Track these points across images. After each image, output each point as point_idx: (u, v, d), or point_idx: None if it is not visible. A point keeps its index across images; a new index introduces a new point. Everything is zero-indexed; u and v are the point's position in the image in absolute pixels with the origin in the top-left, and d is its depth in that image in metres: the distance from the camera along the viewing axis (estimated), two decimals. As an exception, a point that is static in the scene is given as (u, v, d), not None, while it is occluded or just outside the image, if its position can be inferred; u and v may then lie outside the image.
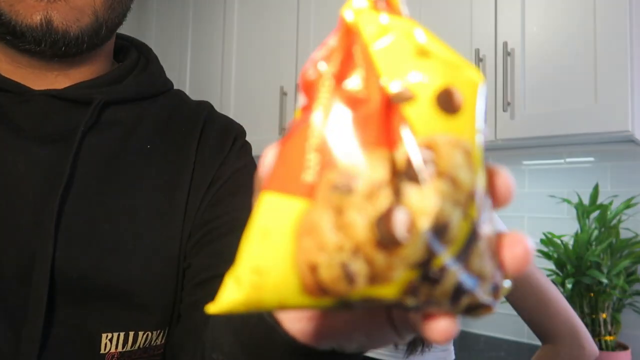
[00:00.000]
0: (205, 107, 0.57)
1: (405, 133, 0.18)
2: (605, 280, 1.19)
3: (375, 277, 0.18)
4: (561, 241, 1.31)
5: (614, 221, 1.30)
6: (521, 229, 1.58)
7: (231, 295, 0.19)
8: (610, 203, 1.31)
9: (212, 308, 0.20)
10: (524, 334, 1.56)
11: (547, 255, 1.34)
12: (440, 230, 0.18)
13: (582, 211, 1.33)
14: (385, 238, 0.18)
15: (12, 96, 0.46)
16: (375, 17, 0.21)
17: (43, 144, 0.45)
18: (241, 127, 0.58)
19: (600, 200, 1.37)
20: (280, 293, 0.19)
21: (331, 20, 1.73)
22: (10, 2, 0.42)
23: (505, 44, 1.29)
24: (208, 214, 0.50)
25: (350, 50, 0.21)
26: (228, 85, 2.08)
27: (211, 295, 0.38)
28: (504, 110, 1.29)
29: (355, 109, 0.19)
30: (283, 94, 1.82)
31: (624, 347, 1.26)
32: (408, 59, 0.20)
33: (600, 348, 1.23)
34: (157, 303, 0.47)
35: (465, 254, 0.19)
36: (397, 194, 0.18)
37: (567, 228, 1.46)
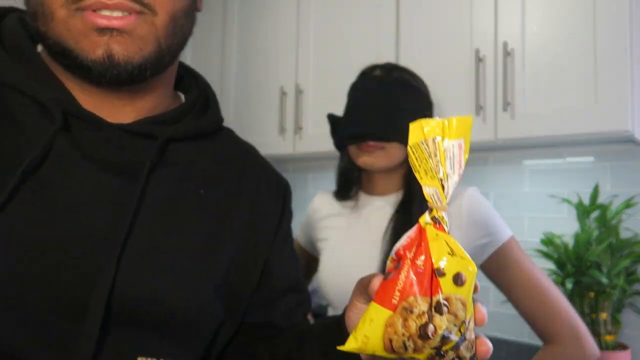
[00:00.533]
0: (254, 153, 0.64)
1: (437, 290, 0.40)
2: (605, 280, 1.19)
3: (416, 349, 0.40)
4: (561, 241, 1.31)
5: (614, 221, 1.30)
6: (521, 229, 1.58)
7: (352, 344, 0.42)
8: (610, 203, 1.31)
9: (342, 347, 0.42)
10: (524, 334, 1.56)
11: (547, 255, 1.34)
12: (447, 334, 0.40)
13: (582, 211, 1.33)
14: (423, 334, 0.40)
15: (87, 126, 0.48)
16: (432, 229, 0.44)
17: (111, 174, 0.48)
18: (286, 180, 0.65)
19: (600, 200, 1.36)
20: (375, 348, 0.41)
21: (331, 21, 1.73)
22: (76, 38, 0.44)
23: (505, 44, 1.29)
24: (269, 270, 0.59)
25: (420, 242, 0.43)
26: (228, 85, 2.08)
27: (269, 349, 0.58)
28: (504, 110, 1.29)
29: (418, 275, 0.41)
30: (283, 94, 1.82)
31: (624, 347, 1.26)
32: (444, 253, 0.41)
33: (600, 348, 1.23)
34: (199, 335, 0.52)
35: (459, 345, 0.41)
36: (431, 317, 0.40)
37: (567, 228, 1.46)
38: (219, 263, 0.53)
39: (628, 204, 1.29)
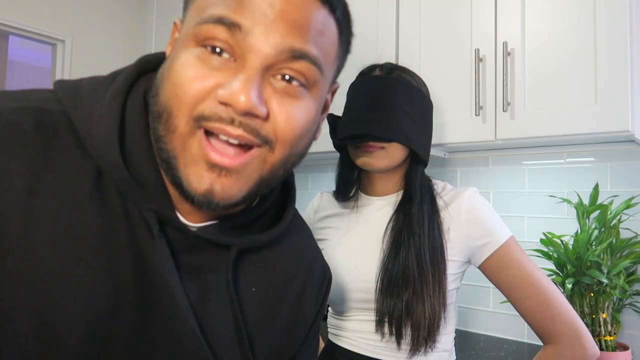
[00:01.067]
0: (308, 245, 0.64)
1: None
2: (605, 280, 1.19)
3: None
4: (561, 241, 1.31)
5: (614, 221, 1.30)
6: (521, 229, 1.58)
7: None
8: (610, 203, 1.31)
9: None
10: (524, 334, 1.56)
11: (547, 255, 1.34)
12: None
13: (582, 211, 1.33)
14: None
15: (174, 229, 0.48)
16: None
17: (193, 278, 0.49)
18: (330, 273, 0.67)
19: (600, 200, 1.36)
20: None
21: (331, 20, 1.73)
22: (187, 162, 0.44)
23: (505, 44, 1.29)
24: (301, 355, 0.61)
25: None
26: (228, 85, 2.08)
27: None
28: (504, 110, 1.29)
29: None
30: (283, 94, 1.82)
31: (624, 347, 1.26)
32: None
33: (601, 348, 1.23)
34: None
35: None
36: None
37: (567, 228, 1.46)
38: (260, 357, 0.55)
39: (628, 204, 1.29)
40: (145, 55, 0.50)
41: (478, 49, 1.35)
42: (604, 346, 1.23)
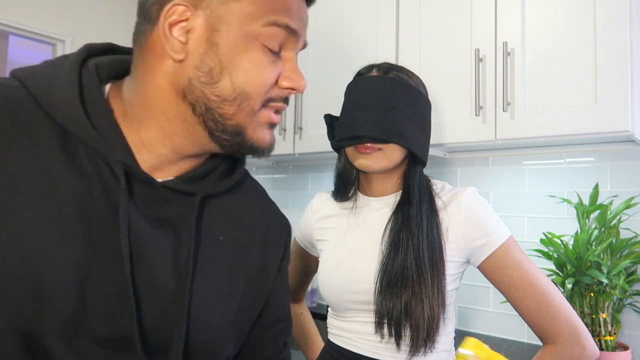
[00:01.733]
0: (264, 197, 0.73)
1: None
2: (605, 280, 1.19)
3: None
4: (561, 241, 1.31)
5: (614, 221, 1.30)
6: (521, 229, 1.58)
7: None
8: (610, 203, 1.31)
9: None
10: (524, 334, 1.56)
11: (547, 255, 1.34)
12: None
13: (582, 211, 1.33)
14: None
15: (140, 183, 0.56)
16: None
17: (163, 227, 0.57)
18: (289, 223, 0.75)
19: (600, 200, 1.36)
20: None
21: (331, 21, 1.73)
22: (254, 128, 0.57)
23: (505, 44, 1.29)
24: (267, 303, 0.68)
25: None
26: (228, 85, 2.08)
27: None
28: (504, 110, 1.29)
29: None
30: (283, 94, 1.82)
31: (624, 347, 1.26)
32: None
33: (601, 348, 1.23)
34: None
35: None
36: None
37: (567, 228, 1.46)
38: (234, 300, 0.62)
39: (628, 204, 1.29)
40: (90, 44, 0.60)
41: (478, 49, 1.35)
42: (604, 346, 1.23)
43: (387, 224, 0.99)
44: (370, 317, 0.96)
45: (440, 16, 1.46)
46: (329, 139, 1.05)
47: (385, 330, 0.93)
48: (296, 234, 1.19)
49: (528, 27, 1.29)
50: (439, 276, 0.92)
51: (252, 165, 2.40)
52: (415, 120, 0.98)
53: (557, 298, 0.91)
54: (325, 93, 1.71)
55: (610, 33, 1.16)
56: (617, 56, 1.15)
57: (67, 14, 2.36)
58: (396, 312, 0.91)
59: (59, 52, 2.33)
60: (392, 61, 1.53)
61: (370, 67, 1.03)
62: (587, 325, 1.24)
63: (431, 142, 1.44)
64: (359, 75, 1.04)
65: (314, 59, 1.76)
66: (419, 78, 1.04)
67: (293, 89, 0.58)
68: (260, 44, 0.55)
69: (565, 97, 1.22)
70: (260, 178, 2.40)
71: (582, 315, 1.26)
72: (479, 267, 0.97)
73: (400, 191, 1.02)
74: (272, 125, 0.59)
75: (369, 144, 0.95)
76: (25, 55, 4.72)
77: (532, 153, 1.58)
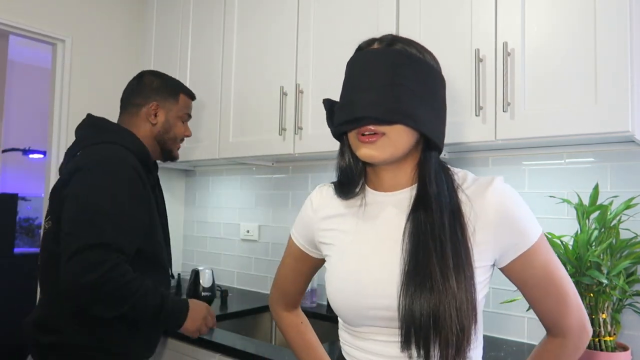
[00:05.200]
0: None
1: None
2: (605, 281, 1.19)
3: None
4: (561, 241, 1.31)
5: (614, 221, 1.30)
6: (521, 229, 1.57)
7: None
8: (610, 203, 1.31)
9: None
10: (524, 334, 1.56)
11: (547, 256, 1.34)
12: None
13: (582, 211, 1.33)
14: None
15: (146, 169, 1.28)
16: None
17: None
18: None
19: (600, 200, 1.36)
20: None
21: (331, 21, 1.73)
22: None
23: (505, 44, 1.29)
24: None
25: None
26: (228, 86, 2.08)
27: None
28: (504, 111, 1.29)
29: None
30: (283, 94, 1.82)
31: (624, 348, 1.25)
32: None
33: (600, 348, 1.23)
34: None
35: None
36: None
37: (567, 228, 1.46)
38: None
39: (628, 205, 1.29)
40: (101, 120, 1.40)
41: (478, 49, 1.35)
42: (603, 346, 1.23)
43: (406, 223, 0.84)
44: (394, 335, 0.83)
45: (440, 16, 1.46)
46: (329, 126, 0.92)
47: (414, 351, 0.80)
48: (293, 233, 1.07)
49: (528, 27, 1.29)
50: (468, 284, 0.79)
51: (252, 165, 2.40)
52: (426, 98, 0.83)
53: (574, 295, 0.86)
54: (325, 93, 1.71)
55: (610, 33, 1.16)
56: (617, 56, 1.15)
57: (67, 14, 2.36)
58: (424, 326, 0.78)
59: (59, 52, 2.33)
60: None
61: (371, 40, 0.89)
62: (587, 325, 1.24)
63: (431, 142, 1.45)
64: (359, 49, 0.91)
65: (314, 59, 1.76)
66: (431, 53, 0.90)
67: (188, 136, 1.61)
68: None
69: (565, 97, 1.22)
70: (260, 178, 2.40)
71: (582, 315, 1.26)
72: (502, 268, 0.87)
73: (416, 184, 0.87)
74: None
75: (371, 127, 0.82)
76: (25, 55, 4.72)
77: (532, 153, 1.58)
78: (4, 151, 4.45)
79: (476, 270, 0.82)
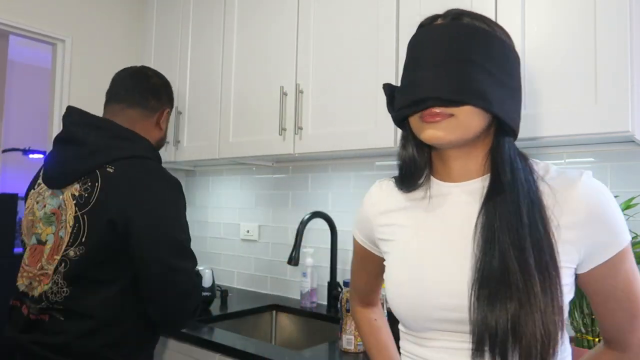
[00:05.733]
0: None
1: None
2: (605, 281, 1.19)
3: None
4: (561, 241, 1.31)
5: (614, 221, 1.30)
6: (521, 229, 1.57)
7: None
8: (610, 203, 1.31)
9: None
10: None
11: (547, 256, 1.34)
12: None
13: (582, 211, 1.33)
14: None
15: None
16: None
17: None
18: None
19: (600, 200, 1.36)
20: None
21: (331, 21, 1.73)
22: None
23: (505, 44, 1.29)
24: None
25: None
26: (228, 85, 2.08)
27: None
28: (504, 111, 1.28)
29: None
30: (283, 94, 1.82)
31: (624, 348, 1.25)
32: None
33: (600, 348, 1.23)
34: None
35: None
36: None
37: (567, 228, 1.45)
38: None
39: (628, 205, 1.29)
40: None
41: (478, 49, 1.34)
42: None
43: (478, 217, 0.75)
44: (463, 342, 0.75)
45: (440, 16, 1.46)
46: (390, 112, 0.84)
47: (487, 358, 0.69)
48: (354, 231, 1.00)
49: (528, 27, 1.29)
50: (553, 284, 0.70)
51: (252, 165, 2.40)
52: (498, 75, 0.75)
53: None
54: (325, 93, 1.71)
55: (610, 33, 1.16)
56: (617, 56, 1.15)
57: (67, 14, 2.36)
58: (501, 330, 0.68)
59: (59, 52, 2.34)
60: (392, 61, 1.53)
61: (435, 17, 0.81)
62: (587, 325, 1.24)
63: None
64: (421, 26, 0.83)
65: (314, 59, 1.76)
66: (502, 27, 0.81)
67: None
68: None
69: (565, 97, 1.22)
70: (260, 178, 2.40)
71: (582, 315, 1.26)
72: (580, 275, 0.77)
73: (489, 174, 0.78)
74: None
75: (436, 109, 0.73)
76: (25, 55, 4.72)
77: (532, 153, 1.57)
78: (4, 151, 4.45)
79: (561, 271, 0.72)
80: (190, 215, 2.74)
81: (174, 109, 2.27)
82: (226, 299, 2.10)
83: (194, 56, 2.25)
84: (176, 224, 1.26)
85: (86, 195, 1.22)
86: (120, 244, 1.19)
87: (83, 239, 1.20)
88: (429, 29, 0.78)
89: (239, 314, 1.97)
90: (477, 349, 0.70)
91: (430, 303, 0.77)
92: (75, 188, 1.24)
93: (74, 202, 1.23)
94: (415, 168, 0.84)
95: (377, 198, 0.92)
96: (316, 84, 1.75)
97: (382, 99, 1.56)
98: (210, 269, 2.10)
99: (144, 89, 1.43)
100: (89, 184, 1.23)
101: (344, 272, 2.05)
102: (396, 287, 0.82)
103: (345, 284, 1.45)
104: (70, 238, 1.21)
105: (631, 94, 1.13)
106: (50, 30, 2.29)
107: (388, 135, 1.53)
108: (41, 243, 1.27)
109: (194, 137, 2.21)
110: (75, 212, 1.22)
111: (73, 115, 1.36)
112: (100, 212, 1.20)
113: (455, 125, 0.74)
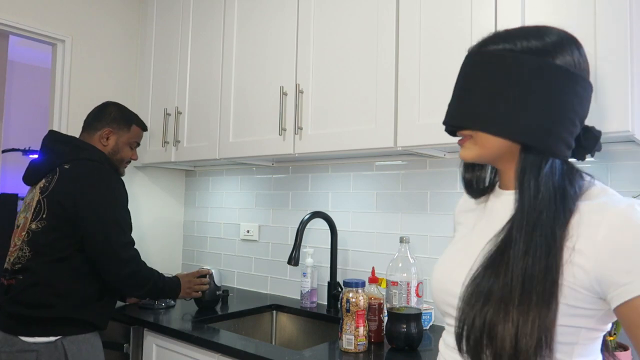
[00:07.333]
0: None
1: None
2: (605, 281, 1.19)
3: None
4: (561, 241, 1.31)
5: (614, 221, 1.29)
6: (521, 229, 1.57)
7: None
8: (610, 203, 1.31)
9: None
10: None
11: (547, 256, 1.34)
12: None
13: (582, 211, 1.33)
14: None
15: None
16: None
17: None
18: None
19: (600, 200, 1.36)
20: None
21: (331, 20, 1.73)
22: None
23: (505, 44, 1.29)
24: None
25: None
26: (228, 86, 2.08)
27: None
28: (504, 111, 1.28)
29: None
30: (283, 94, 1.82)
31: (624, 348, 1.25)
32: None
33: (600, 348, 1.23)
34: None
35: None
36: None
37: (567, 228, 1.45)
38: None
39: (628, 204, 1.29)
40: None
41: (478, 49, 1.34)
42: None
43: (506, 223, 0.79)
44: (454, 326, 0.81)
45: (440, 15, 1.46)
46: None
47: (464, 345, 0.75)
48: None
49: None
50: (542, 300, 0.69)
51: (252, 165, 2.40)
52: (510, 97, 0.78)
53: None
54: (325, 93, 1.71)
55: (610, 33, 1.16)
56: (617, 56, 1.15)
57: (67, 13, 2.36)
58: (475, 329, 0.73)
59: (59, 52, 2.34)
60: (391, 60, 1.53)
61: (481, 40, 0.89)
62: (587, 325, 1.24)
63: (431, 142, 1.45)
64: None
65: (314, 59, 1.76)
66: (542, 39, 0.80)
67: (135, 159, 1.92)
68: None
69: (565, 97, 1.22)
70: (260, 178, 2.41)
71: None
72: (614, 310, 0.71)
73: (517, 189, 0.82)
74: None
75: (461, 132, 0.85)
76: (25, 55, 4.72)
77: (532, 153, 1.57)
78: (4, 151, 4.45)
79: (565, 289, 0.70)
80: (191, 215, 2.74)
81: (174, 109, 2.28)
82: (226, 299, 2.10)
83: (194, 56, 2.25)
84: (113, 206, 1.66)
85: (47, 185, 1.66)
86: (69, 220, 1.60)
87: (43, 216, 1.62)
88: (466, 55, 0.89)
89: (239, 314, 1.97)
90: (459, 334, 0.76)
91: (444, 288, 0.88)
92: (42, 182, 1.68)
93: (39, 191, 1.67)
94: (473, 178, 0.95)
95: (463, 199, 1.02)
96: (316, 84, 1.75)
97: (382, 99, 1.56)
98: (217, 270, 2.06)
99: (93, 117, 1.87)
100: (50, 177, 1.67)
101: (344, 272, 2.06)
102: (433, 272, 0.93)
103: (345, 284, 1.45)
104: (32, 215, 1.64)
105: (631, 94, 1.13)
106: (50, 31, 2.29)
107: (388, 135, 1.53)
108: (18, 227, 1.71)
109: (194, 137, 2.21)
110: (39, 197, 1.65)
111: (50, 136, 1.81)
112: (55, 196, 1.62)
113: (473, 145, 0.84)
